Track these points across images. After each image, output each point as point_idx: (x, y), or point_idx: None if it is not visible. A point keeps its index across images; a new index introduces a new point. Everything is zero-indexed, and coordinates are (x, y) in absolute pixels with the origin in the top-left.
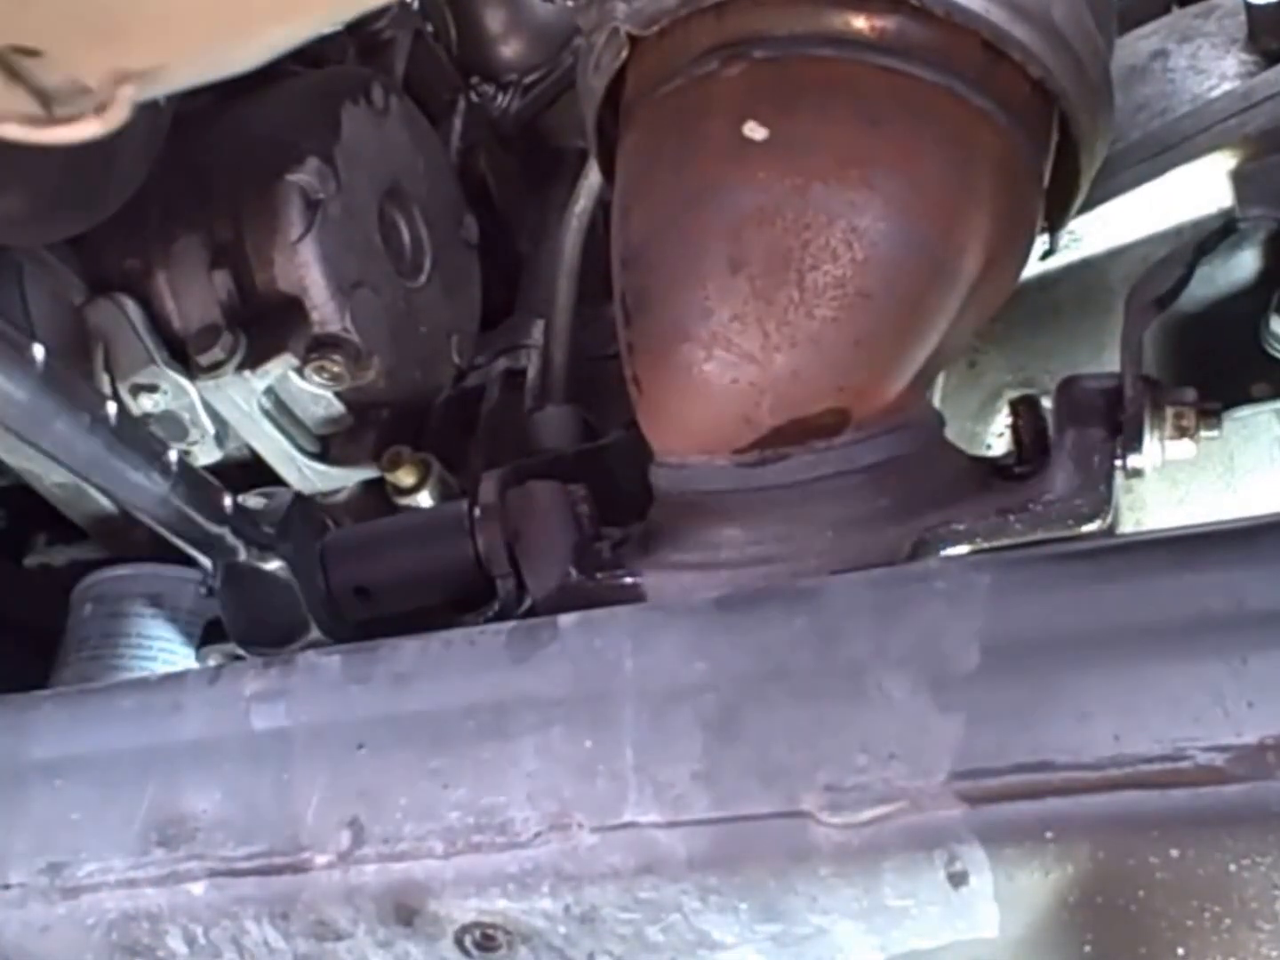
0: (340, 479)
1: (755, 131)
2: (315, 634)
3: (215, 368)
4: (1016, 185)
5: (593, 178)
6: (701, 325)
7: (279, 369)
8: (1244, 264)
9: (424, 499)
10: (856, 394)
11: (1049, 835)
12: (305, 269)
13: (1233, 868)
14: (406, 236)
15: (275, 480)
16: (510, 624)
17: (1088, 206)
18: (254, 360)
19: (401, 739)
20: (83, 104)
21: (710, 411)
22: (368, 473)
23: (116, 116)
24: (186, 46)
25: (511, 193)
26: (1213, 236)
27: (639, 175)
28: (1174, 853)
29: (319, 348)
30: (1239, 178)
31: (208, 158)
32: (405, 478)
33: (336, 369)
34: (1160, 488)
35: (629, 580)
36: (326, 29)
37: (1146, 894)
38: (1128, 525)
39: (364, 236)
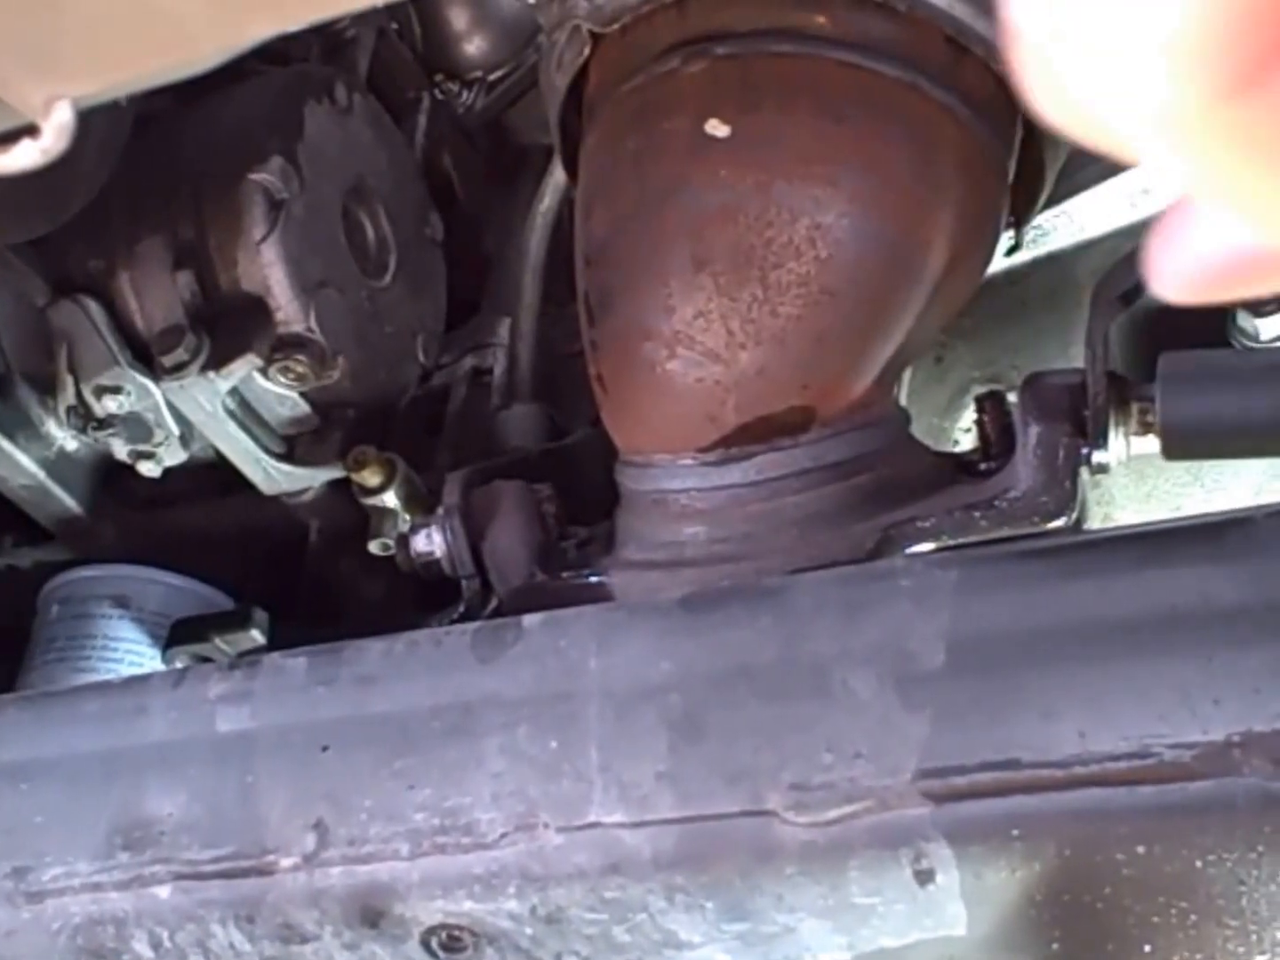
0: (306, 479)
1: (717, 129)
2: None
3: (179, 369)
4: (981, 181)
5: (558, 175)
6: (664, 323)
7: (243, 370)
8: None
9: (389, 499)
10: (821, 391)
11: (1015, 833)
12: (269, 269)
13: (1199, 864)
14: (371, 235)
15: (241, 480)
16: (475, 624)
17: (1054, 201)
18: (218, 361)
19: (366, 740)
20: (18, 131)
21: (674, 410)
22: (333, 473)
23: (56, 144)
24: (120, 68)
25: (477, 191)
26: None
27: (601, 173)
28: (1140, 849)
29: (283, 348)
30: None
31: (170, 157)
32: (371, 478)
33: (301, 369)
34: (1127, 483)
35: (594, 580)
36: (274, 34)
37: (1113, 891)
38: (1095, 520)
39: (328, 236)
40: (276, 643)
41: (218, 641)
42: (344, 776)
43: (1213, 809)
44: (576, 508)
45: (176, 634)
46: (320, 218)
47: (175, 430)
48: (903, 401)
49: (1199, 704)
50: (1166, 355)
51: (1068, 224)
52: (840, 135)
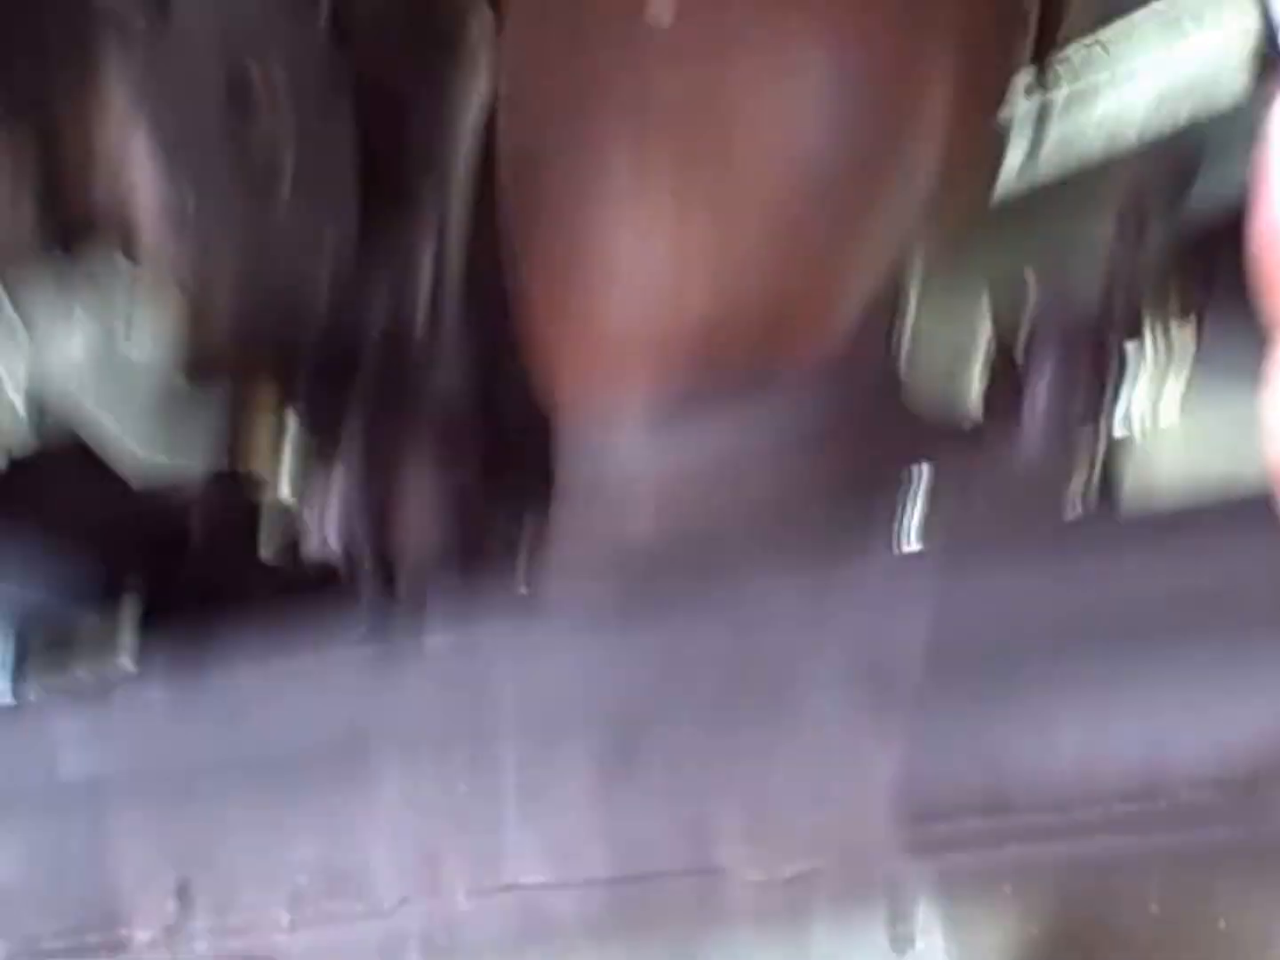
0: (182, 468)
1: (664, 13)
2: None
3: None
4: (984, 42)
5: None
6: (603, 245)
7: (105, 330)
8: None
9: (280, 468)
10: (791, 330)
11: (1007, 889)
12: (133, 182)
13: (1222, 923)
14: (260, 141)
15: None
16: (369, 647)
17: (1083, 35)
18: (75, 318)
19: (238, 785)
20: None
21: (615, 349)
22: (215, 462)
23: None
24: None
25: (399, 68)
26: (1222, 136)
27: (524, 69)
28: (1153, 908)
29: (150, 302)
30: (1257, 61)
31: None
32: (259, 443)
33: (172, 327)
34: (1172, 443)
35: (518, 584)
36: None
37: (1122, 955)
38: (1131, 492)
39: (205, 134)
40: (147, 632)
41: (80, 671)
42: (211, 830)
43: (1238, 856)
44: (504, 487)
45: (29, 657)
46: (194, 112)
47: (27, 409)
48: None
49: (1222, 728)
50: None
51: (1105, 66)
52: (809, 22)
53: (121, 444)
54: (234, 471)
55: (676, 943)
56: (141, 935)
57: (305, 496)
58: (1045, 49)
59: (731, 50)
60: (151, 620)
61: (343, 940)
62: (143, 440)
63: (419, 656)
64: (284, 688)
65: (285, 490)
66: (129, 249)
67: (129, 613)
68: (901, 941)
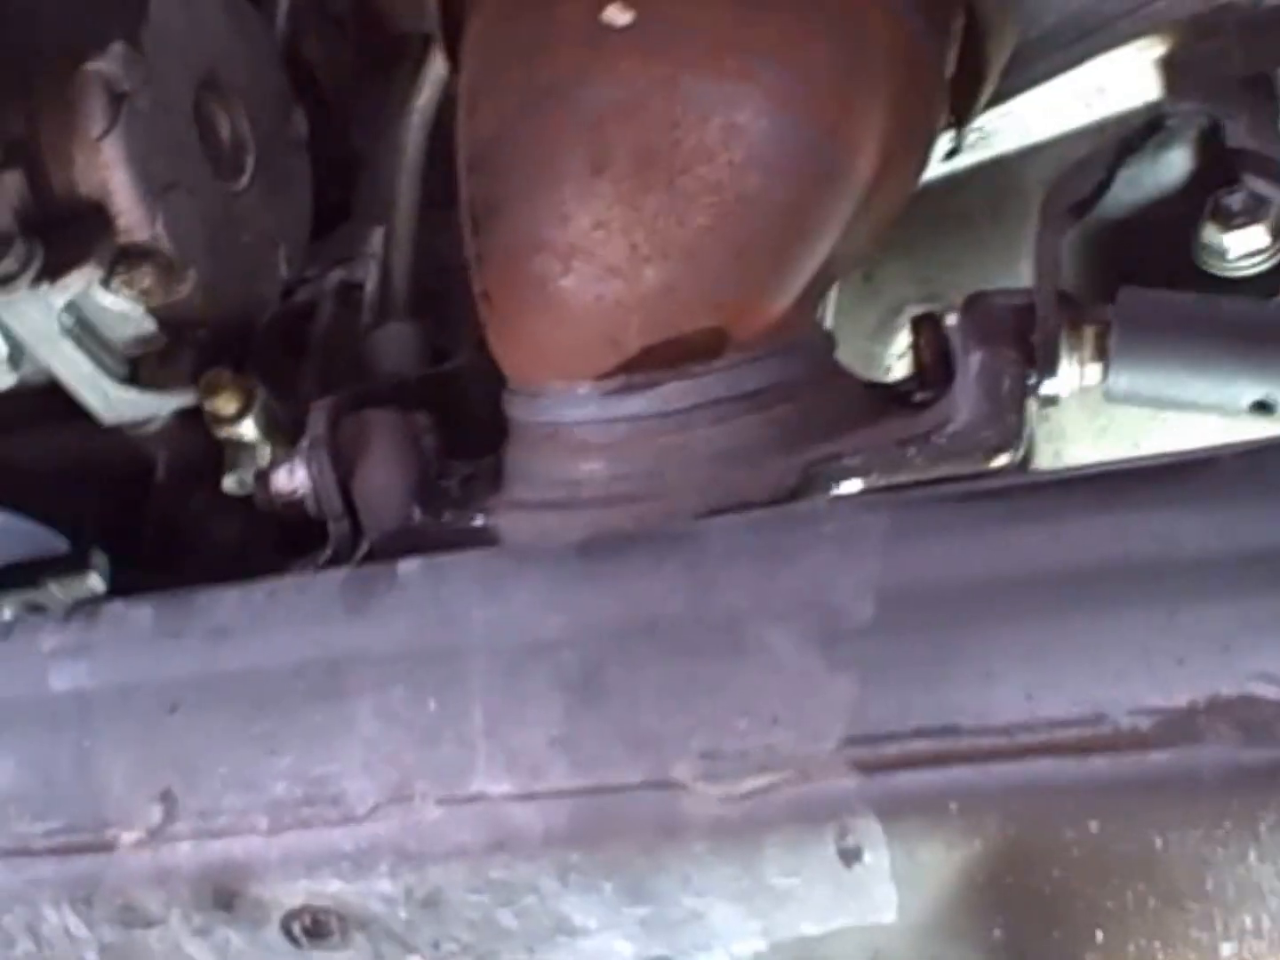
0: (151, 406)
1: (618, 16)
2: None
3: (8, 281)
4: (915, 75)
5: (437, 65)
6: (559, 234)
7: (80, 282)
8: (1173, 165)
9: (246, 429)
10: (736, 312)
11: (953, 807)
12: (109, 169)
13: (1159, 842)
14: (226, 132)
15: (78, 408)
16: (344, 570)
17: (998, 100)
18: (52, 272)
19: (221, 700)
20: None
21: (570, 332)
22: (183, 399)
23: None
24: None
25: (346, 82)
26: (1138, 133)
27: (487, 65)
28: (1093, 826)
29: (126, 258)
30: (1168, 67)
31: None
32: (226, 405)
33: (146, 282)
34: (1079, 417)
35: (479, 522)
36: None
37: (1062, 873)
38: (1044, 458)
39: (177, 132)
40: (118, 590)
41: (52, 588)
42: (195, 741)
43: (1174, 781)
44: (459, 441)
45: (3, 579)
46: (168, 112)
47: (3, 350)
48: (828, 324)
49: (1160, 664)
50: (1126, 290)
51: (1014, 125)
52: (757, 22)
53: (95, 383)
54: (199, 409)
55: (635, 852)
56: (127, 837)
57: (271, 436)
58: (963, 114)
59: (685, 50)
60: (117, 551)
61: (318, 845)
62: (116, 382)
63: (391, 581)
64: (263, 609)
65: (251, 431)
66: (108, 228)
67: (95, 538)
68: (849, 855)
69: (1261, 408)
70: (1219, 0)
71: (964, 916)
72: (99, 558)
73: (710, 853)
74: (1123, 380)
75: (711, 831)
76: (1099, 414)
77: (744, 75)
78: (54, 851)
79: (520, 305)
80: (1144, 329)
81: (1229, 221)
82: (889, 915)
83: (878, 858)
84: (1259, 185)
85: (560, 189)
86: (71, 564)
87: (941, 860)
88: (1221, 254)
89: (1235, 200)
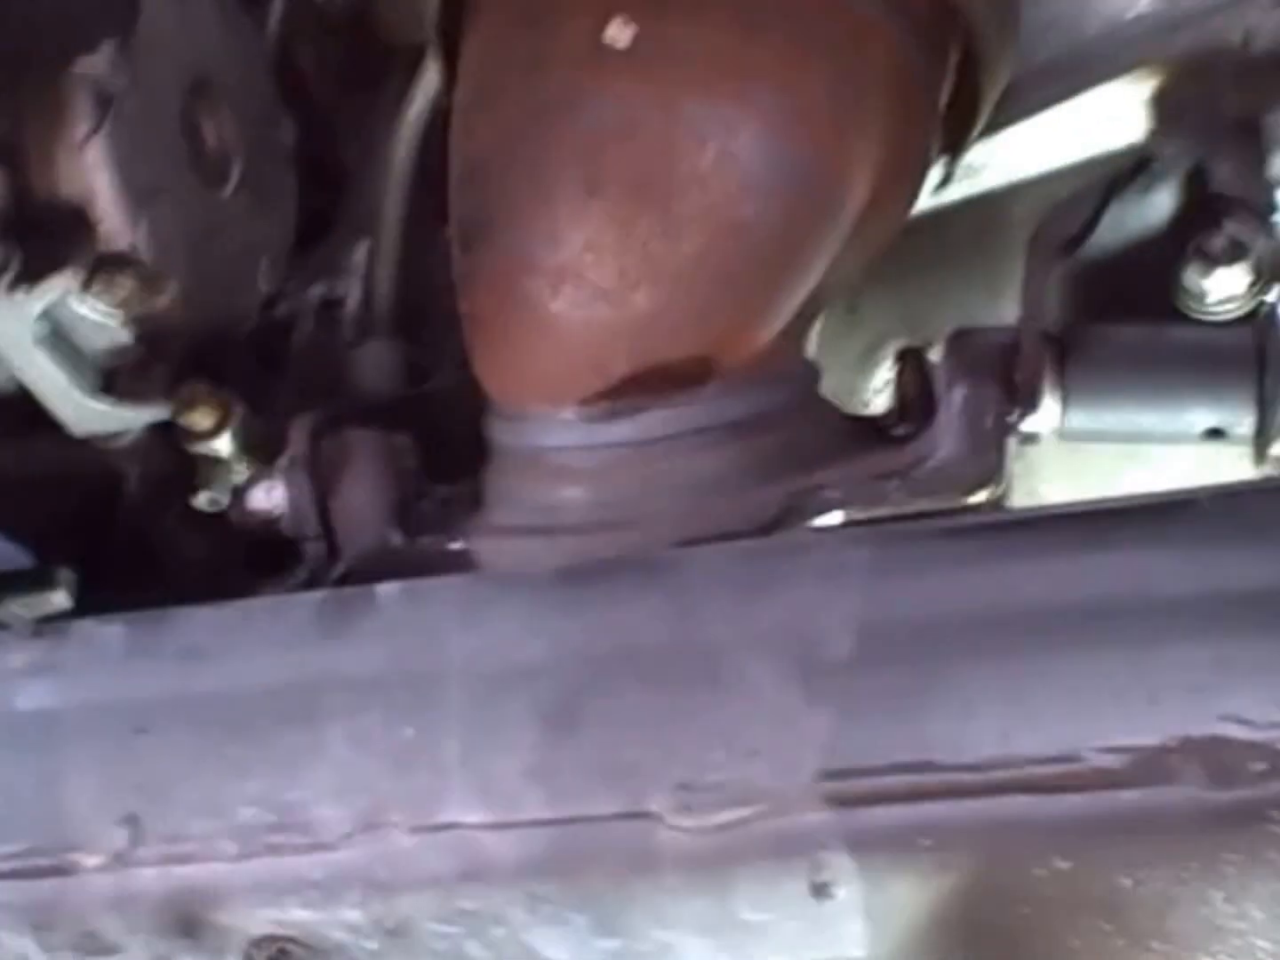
0: (125, 420)
1: (618, 37)
2: None
3: None
4: (909, 106)
5: (430, 78)
6: (549, 256)
7: (58, 289)
8: (1158, 206)
9: (222, 445)
10: (723, 340)
11: (926, 843)
12: (93, 173)
13: (1127, 882)
14: (213, 139)
15: (48, 419)
16: (320, 593)
17: (989, 133)
18: (29, 278)
19: (190, 723)
20: None
21: (556, 356)
22: (157, 413)
23: None
24: None
25: (336, 93)
26: (1126, 173)
27: (483, 81)
28: (1063, 864)
29: (105, 265)
30: (1158, 106)
31: None
32: (201, 420)
33: (124, 291)
34: (1058, 454)
35: (458, 546)
36: None
37: (1031, 911)
38: (1021, 496)
39: (163, 138)
40: (85, 609)
41: (13, 605)
42: (162, 764)
43: (1144, 821)
44: (439, 463)
45: None
46: (155, 116)
47: None
48: (812, 354)
49: (1132, 702)
50: (1072, 329)
51: (1003, 159)
52: (755, 48)
53: (68, 394)
54: (172, 423)
55: (608, 884)
56: (89, 861)
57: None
58: (955, 147)
59: (683, 74)
60: (85, 568)
61: (286, 872)
62: (89, 394)
63: (368, 604)
64: (237, 629)
65: (226, 447)
66: (88, 233)
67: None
68: (821, 890)
69: (1215, 434)
70: (1212, 42)
71: (933, 952)
72: (65, 574)
73: (683, 886)
74: (1079, 418)
75: (684, 864)
76: (1077, 453)
77: (742, 101)
78: (14, 875)
79: (507, 327)
80: (1093, 364)
81: (1209, 265)
82: (859, 951)
83: (850, 893)
84: (1240, 231)
85: (553, 209)
86: (36, 580)
87: (913, 896)
88: (1200, 297)
89: (1216, 244)
